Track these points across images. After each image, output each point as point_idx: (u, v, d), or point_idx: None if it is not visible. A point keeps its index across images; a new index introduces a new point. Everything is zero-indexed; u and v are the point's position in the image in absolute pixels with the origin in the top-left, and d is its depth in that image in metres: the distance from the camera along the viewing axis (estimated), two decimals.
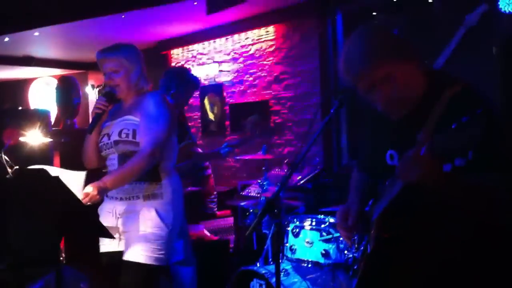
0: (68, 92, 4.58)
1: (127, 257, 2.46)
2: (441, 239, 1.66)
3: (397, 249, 1.78)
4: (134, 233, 2.47)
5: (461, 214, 1.61)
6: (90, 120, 2.59)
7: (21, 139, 2.64)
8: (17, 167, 2.16)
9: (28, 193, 2.17)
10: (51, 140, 3.69)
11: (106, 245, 2.60)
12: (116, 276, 2.50)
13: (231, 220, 5.08)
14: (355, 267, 2.04)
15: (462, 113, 1.39)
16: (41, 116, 3.77)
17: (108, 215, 2.56)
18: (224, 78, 6.38)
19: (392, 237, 1.80)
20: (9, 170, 2.13)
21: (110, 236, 2.25)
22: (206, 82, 6.58)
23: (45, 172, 2.00)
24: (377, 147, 1.88)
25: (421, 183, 1.52)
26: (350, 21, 5.14)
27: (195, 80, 3.90)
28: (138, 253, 2.44)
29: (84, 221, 2.29)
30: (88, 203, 2.27)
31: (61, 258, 4.25)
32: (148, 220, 2.46)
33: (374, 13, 4.90)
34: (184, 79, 3.79)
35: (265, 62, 5.92)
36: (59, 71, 8.53)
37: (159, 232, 2.47)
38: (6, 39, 6.18)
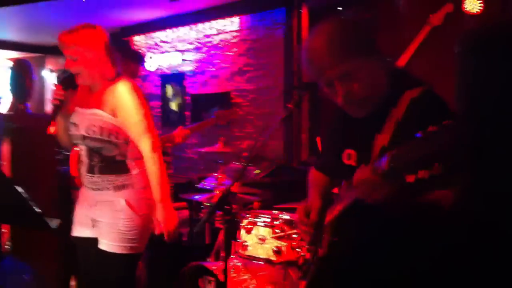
0: (21, 76, 4.35)
1: (101, 246, 2.45)
2: (393, 245, 1.60)
3: (347, 254, 1.72)
4: (107, 223, 2.44)
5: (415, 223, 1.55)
6: (47, 106, 2.51)
7: None
8: None
9: None
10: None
11: (78, 231, 2.57)
12: (86, 261, 2.53)
13: (186, 212, 4.97)
14: (305, 269, 1.98)
15: (425, 120, 1.31)
16: None
17: (84, 203, 2.54)
18: (187, 68, 6.24)
19: (343, 241, 1.74)
20: None
21: (49, 229, 2.14)
22: (168, 71, 6.43)
23: None
24: (335, 145, 1.80)
25: (374, 199, 1.44)
26: (316, 14, 5.07)
27: None
28: (112, 244, 2.42)
29: (22, 213, 2.16)
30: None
31: (7, 247, 4.08)
32: (120, 211, 2.43)
33: (339, 8, 4.86)
34: None
35: (228, 53, 5.81)
36: (15, 54, 8.22)
37: (130, 223, 2.43)
38: None
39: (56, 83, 7.44)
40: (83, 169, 2.51)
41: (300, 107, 4.89)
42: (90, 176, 2.47)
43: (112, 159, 2.46)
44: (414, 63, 3.34)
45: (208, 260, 3.36)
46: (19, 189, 2.05)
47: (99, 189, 2.48)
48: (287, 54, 5.19)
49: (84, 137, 2.45)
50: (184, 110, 6.26)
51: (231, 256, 3.42)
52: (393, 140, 1.51)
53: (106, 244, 2.44)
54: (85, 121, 2.45)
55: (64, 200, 4.03)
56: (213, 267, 3.06)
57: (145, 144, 2.42)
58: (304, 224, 1.90)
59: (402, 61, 3.32)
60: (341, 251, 1.75)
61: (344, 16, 4.76)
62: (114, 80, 2.48)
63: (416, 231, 1.54)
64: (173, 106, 6.40)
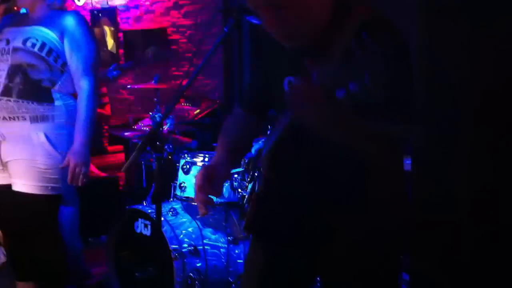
0: None
1: (17, 188, 2.22)
2: (333, 177, 1.45)
3: (284, 189, 1.56)
4: (22, 161, 2.21)
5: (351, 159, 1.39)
6: None
7: None
8: None
9: None
10: None
11: None
12: (2, 210, 2.32)
13: (121, 156, 4.75)
14: (245, 208, 1.84)
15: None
16: None
17: None
18: (118, 1, 5.82)
19: (279, 175, 1.57)
20: None
21: None
22: (98, 6, 5.99)
23: None
24: (275, 75, 1.60)
25: (310, 117, 1.27)
26: None
27: None
28: (30, 184, 2.20)
29: None
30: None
31: None
32: (37, 147, 2.21)
33: None
34: None
35: None
36: None
37: (50, 160, 2.22)
38: None
39: None
40: None
41: (240, 33, 4.62)
42: (5, 100, 2.19)
43: (37, 84, 2.22)
44: None
45: (144, 203, 3.18)
46: None
47: (12, 118, 2.21)
48: None
49: (16, 49, 2.21)
50: (117, 48, 5.88)
51: (170, 200, 3.25)
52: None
53: (23, 185, 2.21)
54: (24, 34, 2.23)
55: None
56: (149, 211, 2.88)
57: (85, 83, 2.26)
58: (203, 190, 1.52)
59: None
60: (277, 187, 1.60)
61: None
62: (60, 8, 2.35)
63: (352, 161, 1.39)
64: (109, 45, 6.00)
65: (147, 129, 3.98)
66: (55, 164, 2.24)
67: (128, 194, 4.48)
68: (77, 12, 2.40)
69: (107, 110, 4.81)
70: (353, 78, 1.14)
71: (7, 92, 2.20)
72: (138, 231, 2.91)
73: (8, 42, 2.26)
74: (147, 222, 2.85)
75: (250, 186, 2.63)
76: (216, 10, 4.81)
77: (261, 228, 1.66)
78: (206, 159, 2.94)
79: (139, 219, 2.91)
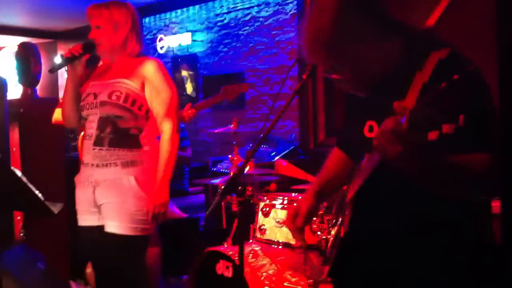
0: (28, 60, 4.25)
1: (109, 229, 2.33)
2: (421, 224, 1.44)
3: (371, 234, 1.57)
4: (114, 203, 2.33)
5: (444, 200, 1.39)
6: (61, 91, 2.45)
7: None
8: None
9: None
10: (6, 108, 3.42)
11: (84, 219, 2.46)
12: (94, 250, 2.44)
13: (202, 197, 4.87)
14: (327, 253, 1.85)
15: (450, 74, 1.16)
16: None
17: (84, 186, 2.41)
18: (198, 49, 6.09)
19: (366, 220, 1.59)
20: None
21: (51, 215, 2.03)
22: (179, 53, 6.28)
23: None
24: (355, 118, 1.64)
25: (399, 160, 1.28)
26: None
27: None
28: (121, 225, 2.31)
29: (25, 198, 2.05)
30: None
31: (21, 235, 4.02)
32: (128, 190, 2.32)
33: None
34: None
35: (240, 32, 5.64)
36: (26, 40, 8.13)
37: (140, 202, 2.33)
38: None
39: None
40: (89, 143, 2.38)
41: (315, 77, 4.70)
42: (98, 150, 2.35)
43: (126, 132, 2.36)
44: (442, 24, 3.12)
45: (224, 245, 3.24)
46: (19, 173, 1.94)
47: (104, 165, 2.35)
48: (300, 31, 5.00)
49: (103, 103, 2.35)
50: (197, 93, 6.12)
51: (249, 241, 3.30)
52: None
53: (115, 226, 2.33)
54: (108, 88, 2.38)
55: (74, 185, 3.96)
56: (230, 252, 2.94)
57: (167, 126, 2.38)
58: (290, 228, 1.73)
59: (431, 21, 3.09)
60: (364, 231, 1.61)
61: None
62: (138, 57, 2.48)
63: (443, 207, 1.39)
64: (189, 89, 6.25)
65: (226, 171, 4.09)
66: (144, 206, 2.35)
67: (208, 235, 4.58)
68: (155, 59, 2.51)
69: (188, 153, 4.99)
70: (445, 120, 1.15)
71: (99, 142, 2.35)
72: (220, 272, 2.97)
73: (95, 96, 2.40)
74: (229, 263, 2.91)
75: (333, 230, 2.64)
76: (295, 60, 4.93)
77: (345, 274, 1.68)
78: (285, 202, 2.99)
79: (221, 261, 2.97)
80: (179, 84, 6.30)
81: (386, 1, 1.46)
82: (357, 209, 1.60)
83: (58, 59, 7.85)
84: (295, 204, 1.78)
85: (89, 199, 2.39)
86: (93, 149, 2.36)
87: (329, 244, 2.27)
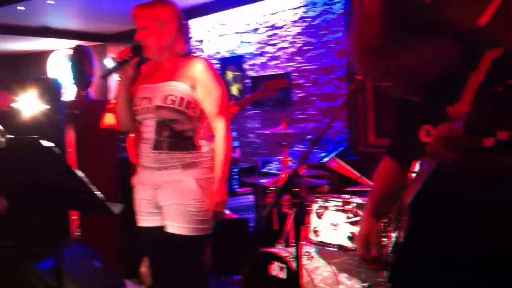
0: (81, 63, 4.37)
1: (170, 230, 2.38)
2: (479, 232, 1.41)
3: (431, 241, 1.54)
4: (175, 205, 2.36)
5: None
6: (110, 94, 2.46)
7: (14, 106, 2.45)
8: (11, 135, 1.96)
9: (22, 164, 1.97)
10: (62, 110, 3.52)
11: (145, 220, 2.50)
12: (155, 250, 2.48)
13: (252, 198, 4.89)
14: (385, 258, 1.82)
15: (506, 77, 1.12)
16: (46, 85, 3.55)
17: (145, 187, 2.45)
18: (246, 50, 6.11)
19: (425, 226, 1.56)
20: (1, 139, 1.94)
21: (112, 215, 2.09)
22: (226, 54, 6.32)
23: (37, 142, 1.79)
24: (410, 122, 1.61)
25: (454, 165, 1.25)
26: None
27: None
28: (182, 226, 2.35)
29: (86, 199, 2.10)
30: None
31: (77, 235, 4.13)
32: (189, 191, 2.35)
33: None
34: None
35: (287, 33, 5.63)
36: (77, 43, 8.34)
37: (200, 203, 2.36)
38: (21, 8, 6.00)
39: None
40: (147, 147, 2.41)
41: (365, 87, 4.66)
42: (158, 153, 2.38)
43: (182, 135, 2.38)
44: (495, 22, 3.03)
45: (277, 246, 3.24)
46: (81, 174, 1.99)
47: (165, 168, 2.38)
48: (349, 31, 4.94)
49: (158, 108, 2.36)
50: (245, 94, 6.14)
51: (301, 243, 3.29)
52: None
53: (176, 227, 2.36)
54: (161, 92, 2.38)
55: (128, 186, 4.04)
56: (283, 253, 2.94)
57: (220, 124, 2.40)
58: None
59: (483, 20, 3.01)
60: (423, 236, 1.57)
61: None
62: (186, 57, 2.46)
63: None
64: (234, 90, 6.28)
65: (276, 172, 4.09)
66: (204, 207, 2.37)
67: (258, 236, 4.58)
68: (203, 58, 2.51)
69: (236, 153, 5.01)
70: (501, 126, 1.12)
71: (158, 146, 2.38)
72: (273, 274, 2.97)
73: (150, 101, 2.40)
74: (283, 265, 2.91)
75: (394, 235, 2.60)
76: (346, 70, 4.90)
77: (406, 280, 1.65)
78: (339, 204, 2.96)
79: (275, 262, 2.97)
80: (226, 85, 6.34)
81: (435, 1, 1.43)
82: (415, 214, 1.57)
83: (108, 63, 8.03)
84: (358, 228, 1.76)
85: (151, 201, 2.43)
86: (153, 153, 2.39)
87: (386, 249, 2.23)
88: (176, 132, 2.38)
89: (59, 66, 8.91)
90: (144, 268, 4.02)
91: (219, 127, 2.40)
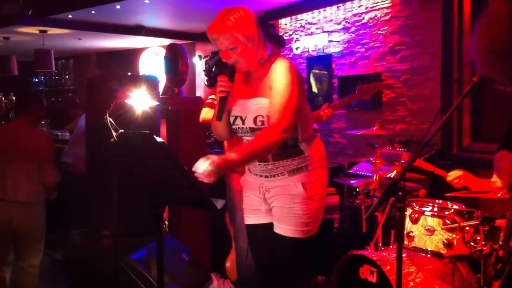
0: (176, 61, 4.49)
1: (278, 231, 2.42)
2: None
3: None
4: (283, 208, 2.40)
5: None
6: (198, 90, 2.47)
7: (128, 101, 2.55)
8: (122, 130, 2.05)
9: (132, 158, 2.06)
10: (158, 106, 3.63)
11: (249, 218, 2.57)
12: (260, 245, 2.55)
13: (335, 198, 4.82)
14: (498, 268, 1.75)
15: None
16: (149, 82, 3.71)
17: (254, 189, 2.50)
18: (334, 49, 6.05)
19: None
20: (114, 133, 2.02)
21: (215, 210, 2.14)
22: (314, 53, 6.28)
23: (150, 137, 1.86)
24: None
25: None
26: None
27: None
28: (289, 228, 2.38)
29: (190, 193, 2.15)
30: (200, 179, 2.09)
31: (165, 228, 4.25)
32: (296, 195, 2.38)
33: None
34: None
35: (379, 32, 5.50)
36: (168, 41, 8.60)
37: (307, 206, 2.37)
38: (118, 6, 6.26)
39: (204, 69, 7.69)
40: None
41: (461, 88, 4.47)
42: (264, 165, 2.41)
43: (284, 145, 2.35)
44: None
45: (367, 249, 3.18)
46: (185, 169, 2.04)
47: (272, 176, 2.42)
48: (445, 30, 4.75)
49: (253, 129, 2.37)
50: (332, 93, 6.08)
51: (390, 247, 3.21)
52: None
53: (284, 229, 2.40)
54: (251, 112, 2.37)
55: (218, 182, 4.11)
56: (375, 257, 2.88)
57: (276, 125, 2.24)
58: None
59: None
60: None
61: None
62: (268, 60, 2.39)
63: None
64: (316, 90, 6.24)
65: (368, 174, 4.01)
66: (312, 209, 2.39)
67: (343, 237, 4.53)
68: (283, 60, 2.37)
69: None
70: None
71: (263, 159, 2.40)
72: (363, 277, 2.92)
73: (243, 121, 2.39)
74: (373, 269, 2.85)
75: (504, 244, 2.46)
76: (443, 69, 4.72)
77: None
78: (435, 209, 2.86)
79: (365, 265, 2.92)
80: (311, 85, 6.31)
81: None
82: None
83: (196, 60, 8.22)
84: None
85: (261, 201, 2.49)
86: (259, 165, 2.42)
87: (498, 258, 2.13)
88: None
89: (151, 63, 9.23)
90: (228, 263, 4.09)
91: (275, 126, 2.25)
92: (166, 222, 4.35)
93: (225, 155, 2.24)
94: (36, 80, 11.54)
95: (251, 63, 2.36)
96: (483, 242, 2.69)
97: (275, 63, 2.35)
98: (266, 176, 2.43)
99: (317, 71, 6.25)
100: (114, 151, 2.15)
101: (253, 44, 2.33)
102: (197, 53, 8.41)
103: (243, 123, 2.39)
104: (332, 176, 4.82)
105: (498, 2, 1.42)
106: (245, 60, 2.34)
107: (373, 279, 2.86)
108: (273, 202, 2.45)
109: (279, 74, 2.31)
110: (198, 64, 8.23)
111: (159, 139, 1.90)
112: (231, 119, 2.44)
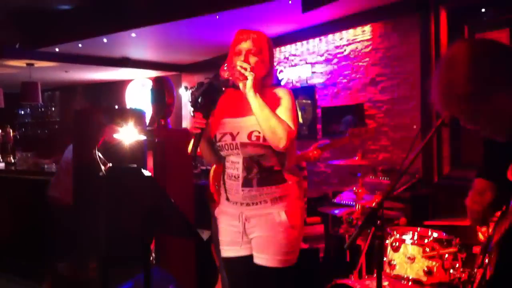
0: (162, 93, 4.57)
1: (259, 261, 2.39)
2: None
3: None
4: (264, 237, 2.38)
5: None
6: (184, 121, 2.52)
7: (116, 136, 2.61)
8: (111, 164, 2.11)
9: (120, 191, 2.12)
10: (146, 139, 3.69)
11: (228, 250, 2.52)
12: (239, 278, 2.49)
13: (320, 228, 4.89)
14: None
15: None
16: (136, 115, 3.78)
17: (233, 219, 2.46)
18: (317, 80, 6.19)
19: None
20: (102, 167, 2.09)
21: (201, 240, 2.17)
22: (298, 84, 6.42)
23: (139, 171, 1.93)
24: (497, 160, 1.62)
25: None
26: (455, 18, 4.76)
27: None
28: (271, 258, 2.36)
29: (177, 224, 2.21)
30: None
31: (151, 259, 4.26)
32: (279, 224, 2.37)
33: (483, 10, 4.51)
34: None
35: (360, 64, 5.67)
36: (154, 73, 8.73)
37: (290, 236, 2.37)
38: (105, 40, 6.37)
39: (190, 101, 7.76)
40: (236, 184, 2.41)
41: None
42: (248, 191, 2.38)
43: (270, 170, 2.39)
44: None
45: (351, 278, 3.24)
46: (171, 199, 2.10)
47: (255, 203, 2.39)
48: (424, 61, 4.92)
49: (244, 145, 2.36)
50: (315, 123, 6.20)
51: (373, 275, 3.26)
52: None
53: (265, 259, 2.37)
54: (245, 128, 2.38)
55: (203, 213, 4.15)
56: (358, 286, 2.94)
57: (290, 127, 2.34)
58: (475, 202, 1.70)
59: None
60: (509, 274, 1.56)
61: (487, 17, 4.38)
62: (269, 87, 2.47)
63: None
64: (300, 119, 6.35)
65: (350, 203, 4.09)
66: (294, 239, 2.39)
67: (328, 266, 4.58)
68: (287, 88, 2.49)
69: (305, 184, 5.03)
70: None
71: (247, 183, 2.37)
72: None
73: (233, 137, 2.39)
74: None
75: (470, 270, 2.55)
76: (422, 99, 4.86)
77: None
78: (416, 237, 2.93)
79: None
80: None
81: None
82: (504, 252, 1.57)
83: (182, 91, 8.33)
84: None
85: (240, 232, 2.44)
86: (242, 190, 2.39)
87: (474, 285, 2.21)
88: (265, 168, 2.38)
89: (137, 95, 9.32)
90: None
91: (288, 128, 2.32)
92: (153, 254, 4.37)
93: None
94: (22, 112, 11.56)
95: (257, 80, 2.35)
96: (461, 269, 2.77)
97: (281, 89, 2.45)
98: (247, 204, 2.39)
99: (302, 101, 6.38)
100: (102, 184, 2.21)
101: (266, 65, 2.43)
102: (183, 84, 8.53)
103: (233, 139, 2.39)
104: (317, 206, 4.92)
105: (456, 46, 1.50)
106: (255, 73, 2.33)
107: None
108: (254, 232, 2.40)
109: (287, 97, 2.41)
110: (184, 95, 8.34)
111: (147, 173, 1.96)
112: (218, 137, 2.44)
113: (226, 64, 2.34)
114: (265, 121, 2.29)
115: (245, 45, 2.40)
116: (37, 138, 9.86)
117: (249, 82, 2.29)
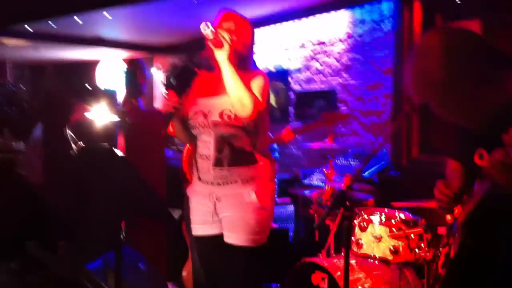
0: (134, 73, 4.56)
1: (229, 240, 2.43)
2: None
3: (482, 257, 1.60)
4: (234, 217, 2.42)
5: None
6: (155, 103, 2.51)
7: (87, 115, 2.60)
8: (81, 143, 2.11)
9: (92, 170, 2.12)
10: (117, 119, 3.67)
11: (198, 228, 2.56)
12: (208, 256, 2.54)
13: (290, 208, 4.96)
14: (437, 272, 1.88)
15: None
16: (107, 95, 3.75)
17: (204, 199, 2.50)
18: (291, 64, 6.22)
19: (477, 243, 1.61)
20: (74, 146, 2.08)
21: (174, 221, 2.19)
22: (272, 68, 6.44)
23: (111, 150, 1.93)
24: (466, 145, 1.68)
25: (508, 187, 1.31)
26: (430, 6, 4.83)
27: None
28: (241, 237, 2.40)
29: (149, 203, 2.22)
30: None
31: (122, 237, 4.26)
32: (249, 204, 2.41)
33: (458, 1, 4.57)
34: None
35: (334, 49, 5.71)
36: (126, 54, 8.62)
37: (259, 216, 2.41)
38: (79, 20, 6.26)
39: (164, 82, 7.72)
40: (207, 163, 2.44)
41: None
42: (219, 170, 2.41)
43: (242, 150, 2.42)
44: None
45: (319, 256, 3.31)
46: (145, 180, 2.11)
47: (226, 183, 2.42)
48: (397, 49, 4.98)
49: (216, 124, 2.39)
50: (288, 106, 6.24)
51: (341, 254, 3.34)
52: None
53: (235, 238, 2.41)
54: (216, 107, 2.40)
55: (176, 193, 4.16)
56: (326, 264, 3.01)
57: (257, 99, 2.37)
58: (443, 193, 1.77)
59: None
60: (474, 253, 1.63)
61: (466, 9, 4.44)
62: (252, 72, 2.48)
63: None
64: (274, 103, 6.39)
65: (321, 184, 4.16)
66: (263, 219, 2.44)
67: (298, 246, 4.65)
68: (264, 75, 2.50)
69: (275, 165, 5.09)
70: None
71: (219, 163, 2.42)
72: (315, 283, 3.04)
73: (205, 116, 2.42)
74: (324, 275, 2.98)
75: (435, 250, 2.63)
76: (394, 87, 4.93)
77: None
78: (383, 217, 3.01)
79: (316, 272, 3.04)
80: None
81: (497, 37, 1.49)
82: (468, 232, 1.63)
83: (154, 71, 8.27)
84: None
85: (210, 211, 2.49)
86: (213, 170, 2.43)
87: (439, 264, 2.28)
88: (236, 148, 2.42)
89: (108, 75, 9.21)
90: (185, 272, 4.14)
91: (254, 99, 2.34)
92: (123, 232, 4.37)
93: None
94: None
95: (233, 59, 2.35)
96: (426, 249, 2.86)
97: (260, 77, 2.45)
98: (218, 184, 2.43)
99: (275, 84, 6.40)
100: (73, 163, 2.21)
101: (246, 48, 2.47)
102: (156, 65, 8.47)
103: (205, 117, 2.42)
104: (287, 187, 4.98)
105: (430, 34, 1.54)
106: (232, 46, 2.34)
107: (324, 285, 2.98)
108: (224, 211, 2.45)
109: (261, 77, 2.45)
110: (157, 76, 8.29)
111: (119, 152, 1.96)
112: (190, 115, 2.47)
113: (210, 23, 2.35)
114: (235, 89, 2.31)
115: (229, 25, 2.44)
116: (6, 117, 9.66)
117: (225, 50, 2.32)
